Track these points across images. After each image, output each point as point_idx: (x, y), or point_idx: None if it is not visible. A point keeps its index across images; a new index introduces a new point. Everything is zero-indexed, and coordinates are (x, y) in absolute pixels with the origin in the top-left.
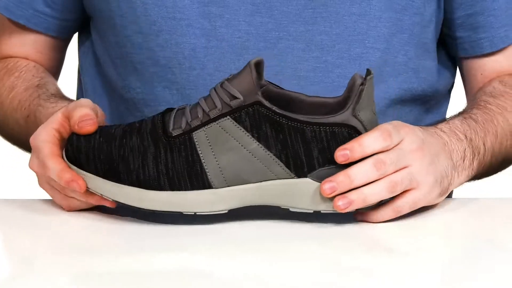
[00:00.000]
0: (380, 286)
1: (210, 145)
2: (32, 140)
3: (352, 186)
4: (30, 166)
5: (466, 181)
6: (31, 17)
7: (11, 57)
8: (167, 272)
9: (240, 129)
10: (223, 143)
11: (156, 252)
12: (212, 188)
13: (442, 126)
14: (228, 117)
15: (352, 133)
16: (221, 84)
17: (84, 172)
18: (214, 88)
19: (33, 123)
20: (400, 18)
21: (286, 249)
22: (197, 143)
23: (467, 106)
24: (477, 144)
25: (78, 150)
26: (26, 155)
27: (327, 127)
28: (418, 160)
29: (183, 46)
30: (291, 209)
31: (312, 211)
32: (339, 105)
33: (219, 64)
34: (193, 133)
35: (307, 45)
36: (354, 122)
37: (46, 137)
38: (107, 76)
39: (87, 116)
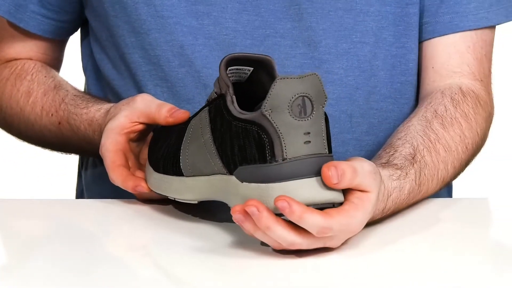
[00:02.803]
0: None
1: (190, 134)
2: (99, 150)
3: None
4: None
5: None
6: (30, 19)
7: (15, 59)
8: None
9: (206, 120)
10: (194, 132)
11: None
12: (183, 176)
13: (393, 194)
14: (206, 108)
15: (261, 132)
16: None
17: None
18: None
19: (68, 130)
20: (391, 10)
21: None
22: (186, 131)
23: (415, 132)
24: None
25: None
26: (26, 155)
27: (242, 124)
28: (349, 234)
29: (171, 44)
30: (230, 206)
31: None
32: None
33: (207, 61)
34: (190, 121)
35: (294, 41)
36: (263, 122)
37: (108, 145)
38: (106, 77)
39: (173, 108)
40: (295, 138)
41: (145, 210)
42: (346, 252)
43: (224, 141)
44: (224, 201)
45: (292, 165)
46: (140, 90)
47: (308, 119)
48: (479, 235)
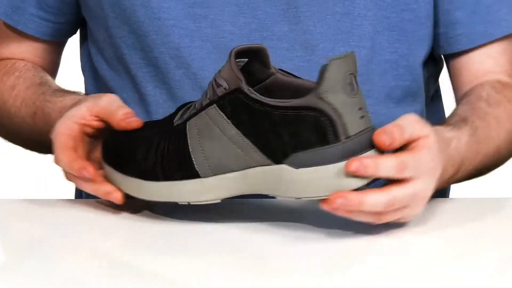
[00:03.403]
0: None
1: (198, 134)
2: (52, 134)
3: (358, 211)
4: (55, 162)
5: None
6: (28, 21)
7: (9, 59)
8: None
9: (222, 116)
10: (208, 132)
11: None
12: (200, 177)
13: (452, 142)
14: (214, 105)
15: (319, 116)
16: (215, 75)
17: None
18: (210, 80)
19: (42, 119)
20: (386, 15)
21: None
22: (188, 132)
23: (462, 108)
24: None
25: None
26: (27, 156)
27: (294, 111)
28: (419, 207)
29: (168, 46)
30: (277, 198)
31: (294, 199)
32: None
33: (204, 63)
34: (187, 122)
35: (291, 44)
36: (321, 105)
37: (62, 129)
38: (103, 77)
39: (130, 113)
40: (353, 115)
41: (144, 210)
42: (352, 253)
43: (261, 133)
44: (268, 192)
45: (354, 142)
46: (140, 91)
47: (357, 95)
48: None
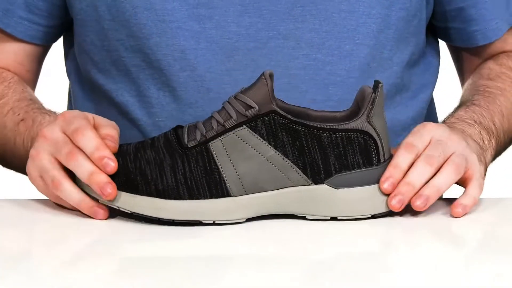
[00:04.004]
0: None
1: (227, 154)
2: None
3: (416, 191)
4: (34, 154)
5: (491, 161)
6: (16, 25)
7: None
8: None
9: (257, 138)
10: (241, 152)
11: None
12: (231, 196)
13: (449, 120)
14: (244, 126)
15: (367, 138)
16: (235, 96)
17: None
18: (228, 101)
19: (29, 127)
20: (388, 13)
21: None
22: (214, 152)
23: (464, 92)
24: (488, 125)
25: None
26: None
27: (343, 133)
28: (457, 145)
29: (173, 48)
30: (307, 217)
31: (329, 218)
32: (347, 118)
33: (210, 65)
34: (210, 143)
35: (297, 43)
36: (368, 128)
37: (81, 114)
38: (93, 81)
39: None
40: (387, 140)
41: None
42: (353, 253)
43: (305, 154)
44: (298, 212)
45: (386, 165)
46: (142, 94)
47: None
48: (483, 235)
